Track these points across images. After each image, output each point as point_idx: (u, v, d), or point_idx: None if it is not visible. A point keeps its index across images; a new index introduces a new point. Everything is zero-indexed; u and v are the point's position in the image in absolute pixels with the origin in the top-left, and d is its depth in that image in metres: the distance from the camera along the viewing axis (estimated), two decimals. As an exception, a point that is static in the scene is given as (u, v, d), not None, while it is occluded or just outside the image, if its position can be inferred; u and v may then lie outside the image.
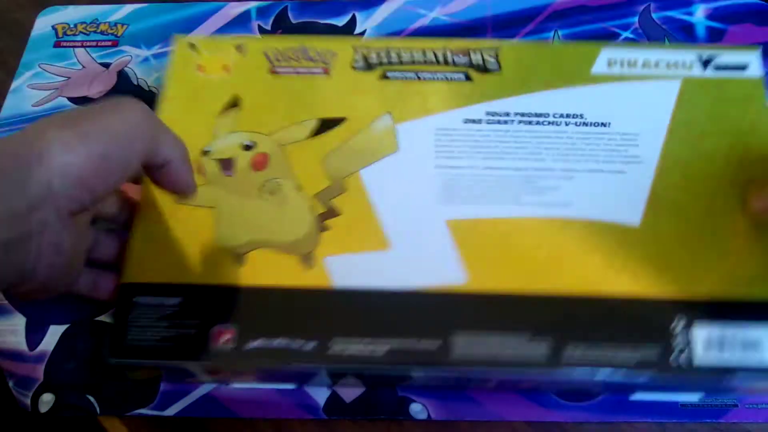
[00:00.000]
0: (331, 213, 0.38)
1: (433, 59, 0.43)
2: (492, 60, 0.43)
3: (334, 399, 0.38)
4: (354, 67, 0.43)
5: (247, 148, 0.40)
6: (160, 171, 0.33)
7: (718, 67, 0.42)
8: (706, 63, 0.42)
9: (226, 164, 0.40)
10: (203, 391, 0.38)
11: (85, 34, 0.52)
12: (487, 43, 0.44)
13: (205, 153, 0.40)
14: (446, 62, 0.43)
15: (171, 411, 0.38)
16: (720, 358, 0.34)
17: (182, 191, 0.35)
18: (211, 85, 0.42)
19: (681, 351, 0.34)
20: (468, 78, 0.42)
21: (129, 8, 0.54)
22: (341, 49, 0.44)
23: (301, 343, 0.34)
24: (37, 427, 0.39)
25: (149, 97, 0.49)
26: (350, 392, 0.38)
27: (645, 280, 0.36)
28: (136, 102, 0.31)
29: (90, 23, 0.53)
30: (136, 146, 0.30)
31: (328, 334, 0.35)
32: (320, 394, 0.38)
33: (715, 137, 0.40)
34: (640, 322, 0.35)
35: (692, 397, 0.37)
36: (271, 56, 0.43)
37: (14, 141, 0.28)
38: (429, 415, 0.37)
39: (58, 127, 0.28)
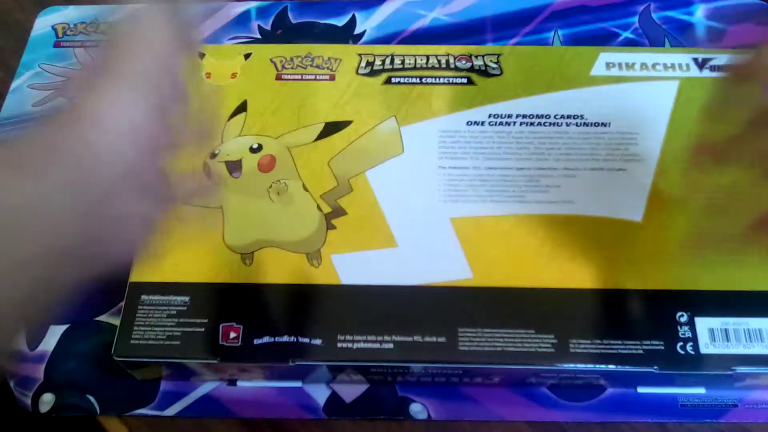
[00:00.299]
0: (337, 212, 0.39)
1: (436, 64, 0.44)
2: (494, 64, 0.43)
3: (334, 399, 0.38)
4: (359, 73, 0.43)
5: (255, 150, 0.41)
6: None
7: (715, 69, 0.43)
8: (702, 65, 0.43)
9: (234, 166, 0.40)
10: (203, 391, 0.38)
11: (85, 34, 0.52)
12: (488, 48, 0.45)
13: (214, 156, 0.40)
14: (449, 67, 0.44)
15: (171, 411, 0.38)
16: (725, 348, 0.34)
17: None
18: (219, 92, 0.43)
19: (686, 342, 0.34)
20: (470, 82, 0.43)
21: (129, 8, 0.54)
22: (346, 55, 0.45)
23: (308, 339, 0.35)
24: (37, 427, 0.39)
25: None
26: (350, 392, 0.38)
27: (648, 273, 0.36)
28: (152, 17, 0.26)
29: (90, 23, 0.53)
30: (178, 64, 0.26)
31: (335, 331, 0.35)
32: (320, 394, 0.38)
33: (715, 134, 0.40)
34: (644, 315, 0.35)
35: (693, 397, 0.37)
36: (277, 63, 0.44)
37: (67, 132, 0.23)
38: (429, 415, 0.37)
39: (109, 82, 0.24)
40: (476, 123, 0.41)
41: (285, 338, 0.35)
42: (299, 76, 0.44)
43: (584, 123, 0.41)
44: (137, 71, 0.25)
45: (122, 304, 0.36)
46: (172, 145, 0.27)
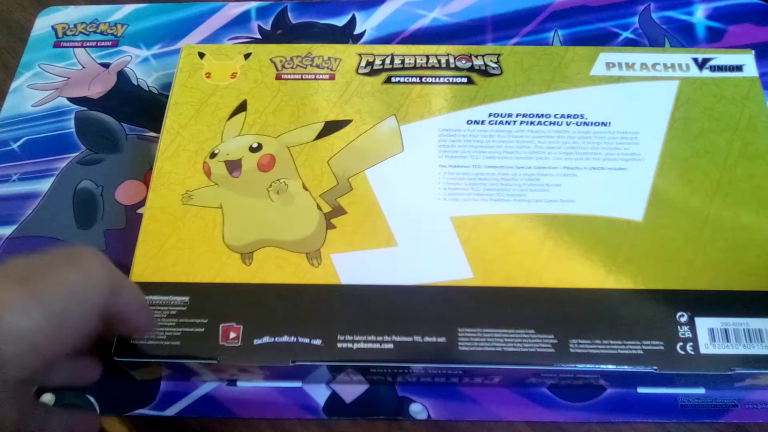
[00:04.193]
0: (337, 212, 0.39)
1: (436, 64, 0.44)
2: (494, 64, 0.43)
3: (334, 399, 0.38)
4: (359, 73, 0.43)
5: (254, 149, 0.41)
6: (119, 321, 0.30)
7: (715, 69, 0.43)
8: (702, 65, 0.43)
9: (234, 165, 0.40)
10: (203, 391, 0.38)
11: (85, 34, 0.52)
12: (488, 47, 0.45)
13: (213, 155, 0.40)
14: (449, 67, 0.44)
15: (171, 411, 0.38)
16: (724, 348, 0.34)
17: (144, 334, 0.34)
18: (219, 91, 0.43)
19: (686, 342, 0.34)
20: (471, 81, 0.43)
21: (129, 8, 0.54)
22: (346, 55, 0.45)
23: (308, 339, 0.35)
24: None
25: (149, 98, 0.49)
26: (350, 392, 0.38)
27: (648, 273, 0.36)
28: (92, 252, 0.28)
29: (90, 23, 0.53)
30: (94, 302, 0.27)
31: (335, 331, 0.35)
32: (320, 394, 0.38)
33: (715, 134, 0.40)
34: (644, 315, 0.35)
35: (693, 397, 0.37)
36: (277, 63, 0.44)
37: None
38: (429, 415, 0.37)
39: (11, 285, 0.25)
40: (476, 122, 0.41)
41: (285, 338, 0.35)
42: (299, 76, 0.44)
43: (584, 122, 0.41)
44: (58, 290, 0.26)
45: (122, 303, 0.36)
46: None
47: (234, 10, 0.53)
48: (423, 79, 0.43)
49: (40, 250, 0.28)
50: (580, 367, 0.34)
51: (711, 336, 0.35)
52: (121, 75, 0.50)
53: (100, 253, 0.28)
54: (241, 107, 0.42)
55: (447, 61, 0.44)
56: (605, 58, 0.44)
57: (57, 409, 0.30)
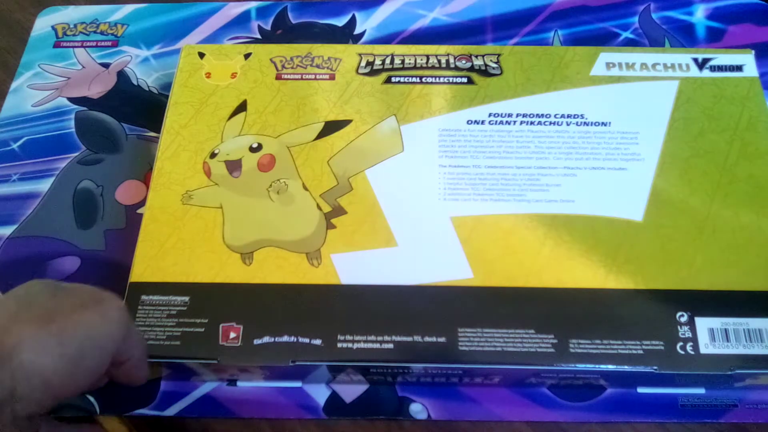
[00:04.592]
0: (337, 212, 0.39)
1: (436, 64, 0.44)
2: (494, 64, 0.43)
3: (334, 399, 0.38)
4: (359, 73, 0.43)
5: (254, 149, 0.41)
6: (119, 366, 0.30)
7: (714, 69, 0.43)
8: (702, 65, 0.43)
9: (234, 165, 0.40)
10: (203, 391, 0.38)
11: (85, 34, 0.52)
12: (488, 47, 0.45)
13: (213, 155, 0.40)
14: (449, 67, 0.44)
15: (171, 411, 0.38)
16: (724, 348, 0.34)
17: (134, 384, 0.34)
18: (219, 91, 0.43)
19: (686, 342, 0.34)
20: (471, 81, 0.43)
21: (129, 8, 0.54)
22: (346, 55, 0.45)
23: (308, 339, 0.35)
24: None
25: (149, 98, 0.49)
26: (350, 392, 0.38)
27: (648, 273, 0.36)
28: (114, 299, 0.29)
29: (90, 23, 0.53)
30: (109, 348, 0.28)
31: (335, 331, 0.35)
32: (320, 394, 0.38)
33: (715, 134, 0.40)
34: (644, 315, 0.35)
35: (693, 397, 0.37)
36: (277, 63, 0.44)
37: None
38: (429, 415, 0.37)
39: (32, 322, 0.26)
40: (476, 122, 0.42)
41: (285, 338, 0.35)
42: (299, 76, 0.44)
43: (584, 122, 0.41)
44: (78, 333, 0.27)
45: (122, 304, 0.36)
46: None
47: (234, 10, 0.53)
48: (423, 79, 0.43)
49: (62, 281, 0.28)
50: (580, 367, 0.34)
51: (711, 336, 0.35)
52: (121, 75, 0.50)
53: (120, 300, 0.29)
54: (241, 107, 0.42)
55: (447, 61, 0.44)
56: (605, 58, 0.44)
57: (63, 424, 0.31)
